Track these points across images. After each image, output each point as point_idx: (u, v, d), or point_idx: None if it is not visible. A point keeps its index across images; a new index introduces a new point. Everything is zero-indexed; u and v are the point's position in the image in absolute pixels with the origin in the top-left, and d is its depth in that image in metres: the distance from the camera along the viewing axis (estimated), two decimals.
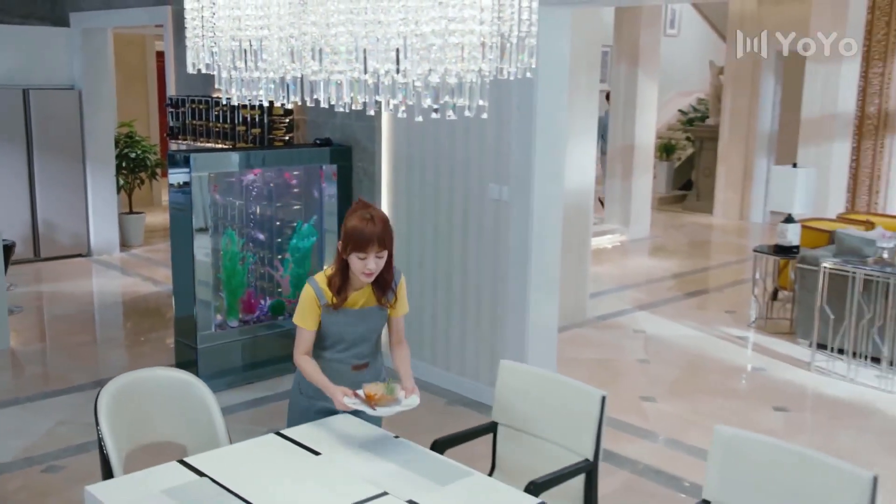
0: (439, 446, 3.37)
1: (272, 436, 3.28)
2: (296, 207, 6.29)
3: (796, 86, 10.62)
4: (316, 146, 6.17)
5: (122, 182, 10.05)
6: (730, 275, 9.48)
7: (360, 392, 3.17)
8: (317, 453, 3.12)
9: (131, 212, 10.42)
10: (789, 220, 7.22)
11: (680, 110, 14.53)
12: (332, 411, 3.35)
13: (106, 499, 2.73)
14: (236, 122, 6.82)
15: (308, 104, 2.53)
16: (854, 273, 6.21)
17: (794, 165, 7.47)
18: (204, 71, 2.69)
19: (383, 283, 3.34)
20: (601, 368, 6.44)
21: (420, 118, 2.15)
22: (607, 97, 11.76)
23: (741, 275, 9.26)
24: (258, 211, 6.19)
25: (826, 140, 9.46)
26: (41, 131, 9.27)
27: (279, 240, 6.25)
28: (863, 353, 6.36)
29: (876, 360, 6.29)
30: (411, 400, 3.19)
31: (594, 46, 7.68)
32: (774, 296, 7.81)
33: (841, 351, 6.45)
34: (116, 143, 9.95)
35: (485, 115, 2.12)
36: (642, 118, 10.91)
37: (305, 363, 3.36)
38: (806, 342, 6.77)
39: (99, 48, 9.55)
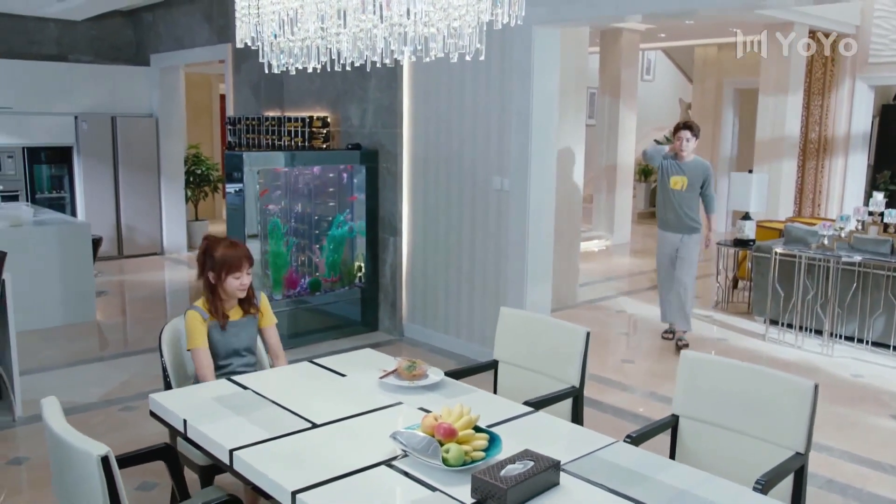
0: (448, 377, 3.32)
1: (306, 363, 3.24)
2: (331, 204, 6.26)
3: (751, 116, 10.56)
4: (348, 150, 6.15)
5: (189, 194, 10.08)
6: (697, 270, 9.35)
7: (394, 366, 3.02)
8: (343, 375, 3.07)
9: (197, 219, 10.45)
10: (746, 217, 7.14)
11: (655, 140, 14.46)
12: None
13: (166, 403, 2.69)
14: (282, 134, 6.82)
15: (336, 68, 2.50)
16: (800, 257, 6.12)
17: (750, 171, 7.39)
18: (250, 45, 2.67)
19: (247, 299, 3.32)
20: (591, 340, 6.32)
21: (427, 59, 2.11)
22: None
23: (707, 271, 9.13)
24: (300, 203, 6.16)
25: (776, 159, 9.34)
26: (125, 151, 9.33)
27: (316, 231, 6.22)
28: (808, 327, 6.26)
29: (818, 332, 6.18)
30: (435, 375, 2.99)
31: (582, 77, 7.63)
32: (735, 284, 7.70)
33: (790, 326, 6.35)
34: (185, 161, 9.99)
35: (482, 58, 2.09)
36: (623, 142, 10.85)
37: (210, 371, 3.16)
38: (761, 319, 6.66)
39: (173, 83, 9.62)
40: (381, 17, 2.05)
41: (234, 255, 3.19)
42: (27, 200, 8.75)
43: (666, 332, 6.39)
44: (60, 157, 9.18)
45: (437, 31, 2.01)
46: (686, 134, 5.81)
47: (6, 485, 3.66)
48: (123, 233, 9.46)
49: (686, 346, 6.07)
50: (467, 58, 2.10)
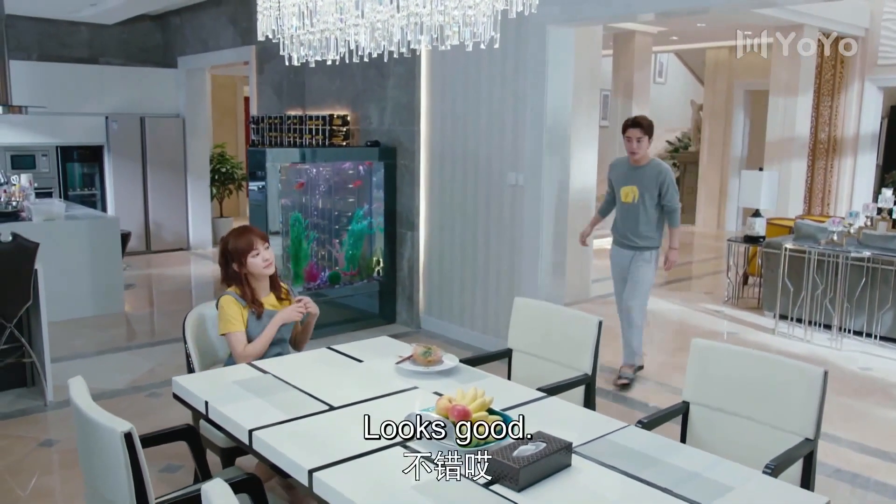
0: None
1: (324, 349, 3.23)
2: (350, 200, 6.25)
3: (761, 117, 10.43)
4: (367, 147, 6.14)
5: (214, 192, 10.12)
6: (708, 267, 9.29)
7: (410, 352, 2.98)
8: (360, 361, 3.05)
9: (221, 216, 10.49)
10: (756, 214, 7.06)
11: (667, 141, 14.36)
12: None
13: (188, 385, 2.69)
14: (304, 132, 6.82)
15: (354, 59, 2.48)
16: (810, 252, 6.04)
17: (761, 169, 7.30)
18: (271, 38, 2.66)
19: (276, 284, 3.29)
20: (603, 332, 6.27)
21: (443, 47, 2.09)
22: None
23: (717, 267, 9.06)
24: (319, 198, 6.14)
25: (786, 159, 9.23)
26: (153, 150, 9.39)
27: (336, 226, 6.21)
28: (817, 322, 6.17)
29: (828, 326, 6.09)
30: (450, 361, 2.95)
31: (595, 79, 7.56)
32: (745, 280, 7.61)
33: (799, 320, 6.26)
34: (211, 160, 10.03)
35: (496, 46, 2.06)
36: None
37: (251, 346, 3.09)
38: (771, 314, 6.57)
39: (199, 85, 9.66)
40: (398, 7, 2.04)
41: (244, 238, 3.16)
42: (60, 197, 8.83)
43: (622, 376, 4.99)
44: (92, 155, 9.25)
45: (453, 19, 1.99)
46: (635, 133, 4.61)
47: (38, 465, 3.69)
48: (151, 229, 9.51)
49: (627, 384, 4.91)
50: (482, 46, 2.07)
